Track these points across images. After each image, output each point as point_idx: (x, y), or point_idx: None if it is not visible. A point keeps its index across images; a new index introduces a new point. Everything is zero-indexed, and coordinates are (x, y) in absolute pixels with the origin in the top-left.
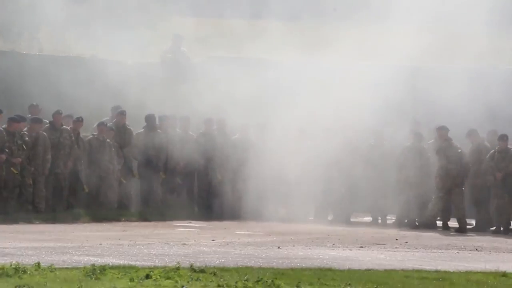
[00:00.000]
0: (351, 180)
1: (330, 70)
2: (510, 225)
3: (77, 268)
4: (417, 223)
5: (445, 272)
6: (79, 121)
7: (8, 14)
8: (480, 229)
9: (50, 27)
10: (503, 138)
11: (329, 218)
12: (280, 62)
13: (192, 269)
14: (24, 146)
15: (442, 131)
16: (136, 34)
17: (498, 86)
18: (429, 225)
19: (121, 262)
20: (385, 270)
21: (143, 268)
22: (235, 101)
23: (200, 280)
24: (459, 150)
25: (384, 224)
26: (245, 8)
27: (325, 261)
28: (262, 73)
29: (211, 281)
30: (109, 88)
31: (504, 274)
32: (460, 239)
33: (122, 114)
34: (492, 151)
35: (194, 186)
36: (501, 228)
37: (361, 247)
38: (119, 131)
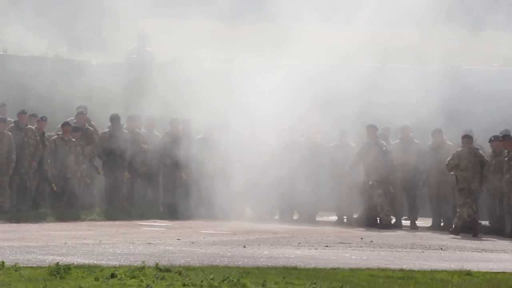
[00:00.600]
0: (316, 179)
1: (294, 70)
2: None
3: (41, 267)
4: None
5: (410, 271)
6: (43, 120)
7: None
8: (437, 228)
9: (14, 27)
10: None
11: (295, 217)
12: (245, 62)
13: (157, 268)
14: None
15: (370, 129)
16: (101, 34)
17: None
18: (385, 225)
19: (86, 261)
20: (351, 269)
21: (108, 267)
22: (199, 101)
23: (165, 279)
24: (384, 148)
25: (350, 223)
26: (213, 9)
27: (290, 260)
28: (227, 73)
29: (176, 280)
30: (74, 88)
31: (469, 273)
32: (424, 238)
33: (81, 113)
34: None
35: (159, 186)
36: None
37: (327, 246)
38: (81, 131)
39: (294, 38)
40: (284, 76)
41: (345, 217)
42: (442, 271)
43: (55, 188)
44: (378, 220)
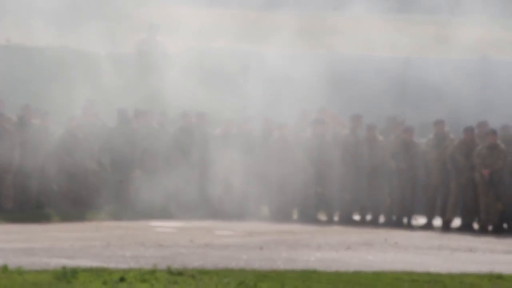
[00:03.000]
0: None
1: (314, 61)
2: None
3: (47, 271)
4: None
5: (437, 274)
6: (45, 115)
7: None
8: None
9: (17, 16)
10: (493, 133)
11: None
12: (262, 53)
13: (169, 271)
14: None
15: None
16: (110, 23)
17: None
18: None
19: (93, 265)
20: (374, 273)
21: (117, 270)
22: (214, 94)
23: (178, 283)
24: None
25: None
26: None
27: (310, 263)
28: (240, 64)
29: (189, 284)
30: (81, 81)
31: (500, 276)
32: (452, 239)
33: (86, 108)
34: (480, 147)
35: (171, 184)
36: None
37: (349, 248)
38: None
39: (317, 27)
40: (304, 68)
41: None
42: (471, 274)
43: (54, 188)
44: None
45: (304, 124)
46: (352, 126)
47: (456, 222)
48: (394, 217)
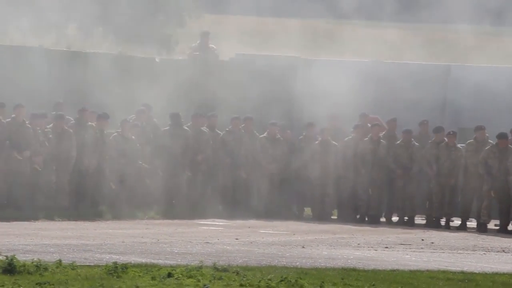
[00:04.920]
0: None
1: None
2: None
3: (98, 266)
4: None
5: (471, 273)
6: (103, 118)
7: (37, 12)
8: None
9: (78, 24)
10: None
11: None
12: (309, 60)
13: (215, 268)
14: (46, 143)
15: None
16: (165, 31)
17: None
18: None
19: (143, 260)
20: (410, 271)
21: (165, 266)
22: (263, 99)
23: (222, 279)
24: None
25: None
26: (274, 6)
27: (349, 261)
28: (292, 71)
29: (233, 280)
30: (136, 85)
31: None
32: (486, 240)
33: (142, 111)
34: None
35: (218, 184)
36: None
37: (386, 247)
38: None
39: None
40: (346, 73)
41: (397, 217)
42: (504, 274)
43: (113, 187)
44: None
45: (334, 126)
46: (388, 130)
47: (491, 224)
48: (433, 219)
